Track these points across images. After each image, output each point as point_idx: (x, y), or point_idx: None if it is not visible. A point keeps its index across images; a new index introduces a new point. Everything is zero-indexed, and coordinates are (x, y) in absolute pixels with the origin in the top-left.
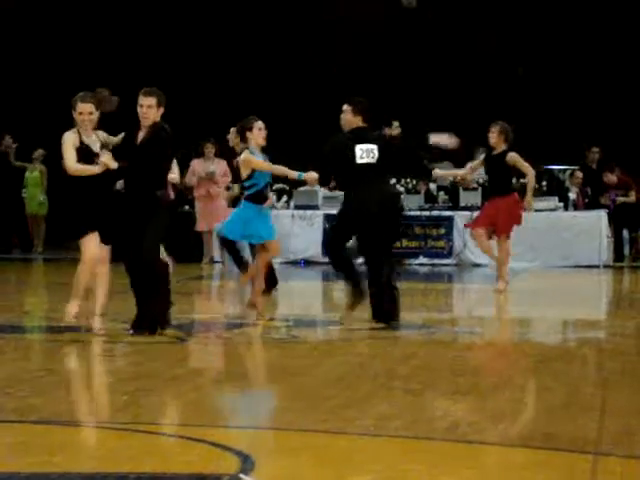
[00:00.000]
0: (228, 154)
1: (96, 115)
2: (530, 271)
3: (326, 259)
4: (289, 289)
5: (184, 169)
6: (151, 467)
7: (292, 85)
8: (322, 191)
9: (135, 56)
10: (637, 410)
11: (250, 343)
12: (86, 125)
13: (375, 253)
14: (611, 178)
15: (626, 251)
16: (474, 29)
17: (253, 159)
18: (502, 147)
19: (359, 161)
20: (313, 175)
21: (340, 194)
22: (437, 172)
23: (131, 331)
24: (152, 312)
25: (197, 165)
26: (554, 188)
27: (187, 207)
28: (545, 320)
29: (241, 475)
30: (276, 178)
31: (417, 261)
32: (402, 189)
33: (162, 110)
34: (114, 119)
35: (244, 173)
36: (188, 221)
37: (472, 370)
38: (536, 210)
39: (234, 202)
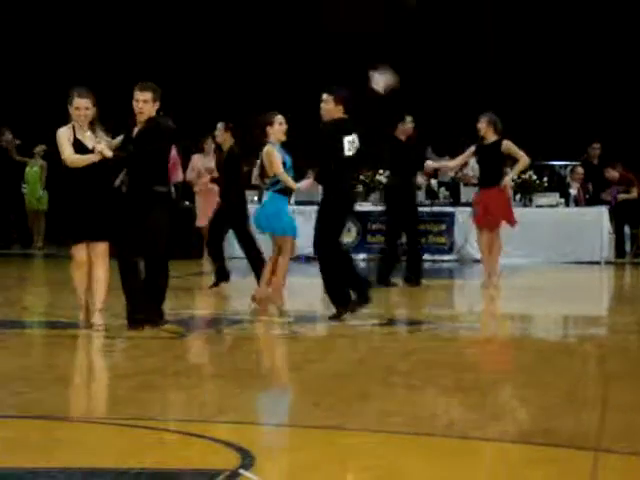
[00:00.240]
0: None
1: (92, 111)
2: (531, 267)
3: None
4: (289, 285)
5: (184, 165)
6: (151, 462)
7: (291, 80)
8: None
9: (135, 51)
10: (638, 406)
11: (250, 339)
12: (82, 120)
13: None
14: (613, 174)
15: (627, 247)
16: (473, 24)
17: (274, 158)
18: (493, 137)
19: (347, 153)
20: (308, 183)
21: None
22: (429, 163)
23: (130, 326)
24: (151, 306)
25: (197, 160)
26: (555, 184)
27: (187, 203)
28: (546, 316)
29: (241, 471)
30: None
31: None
32: None
33: (158, 105)
34: (113, 115)
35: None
36: (188, 217)
37: (473, 366)
38: (537, 206)
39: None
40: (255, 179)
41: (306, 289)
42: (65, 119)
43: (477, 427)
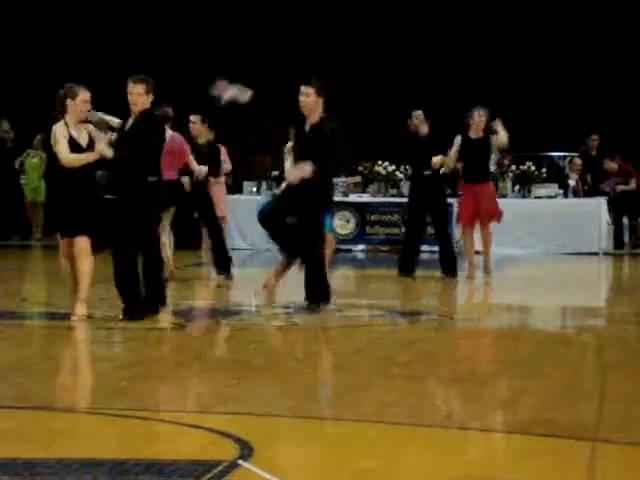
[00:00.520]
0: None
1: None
2: (530, 258)
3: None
4: (289, 276)
5: None
6: (149, 453)
7: (291, 74)
8: None
9: (134, 43)
10: (636, 397)
11: (249, 330)
12: (83, 115)
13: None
14: (611, 165)
15: (626, 238)
16: (472, 16)
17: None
18: (482, 133)
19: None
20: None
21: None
22: (435, 160)
23: (122, 318)
24: (151, 296)
25: None
26: (554, 175)
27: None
28: (545, 307)
29: (240, 461)
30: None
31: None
32: (401, 176)
33: (152, 97)
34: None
35: None
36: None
37: (471, 357)
38: (536, 197)
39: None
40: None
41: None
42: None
43: (476, 418)
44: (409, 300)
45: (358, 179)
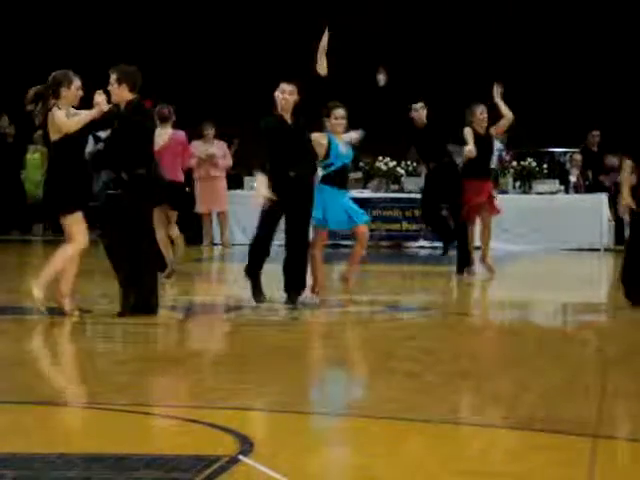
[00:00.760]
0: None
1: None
2: (531, 254)
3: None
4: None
5: None
6: (150, 448)
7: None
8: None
9: (134, 36)
10: (637, 393)
11: (250, 325)
12: (76, 101)
13: None
14: (612, 161)
15: (627, 234)
16: (474, 11)
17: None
18: (485, 130)
19: None
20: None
21: None
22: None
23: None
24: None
25: (197, 147)
26: (556, 171)
27: (187, 189)
28: (545, 303)
29: (240, 457)
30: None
31: (417, 244)
32: (402, 171)
33: (129, 87)
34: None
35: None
36: (188, 203)
37: (472, 353)
38: (537, 193)
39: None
40: None
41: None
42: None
43: (476, 413)
44: (410, 296)
45: (359, 175)
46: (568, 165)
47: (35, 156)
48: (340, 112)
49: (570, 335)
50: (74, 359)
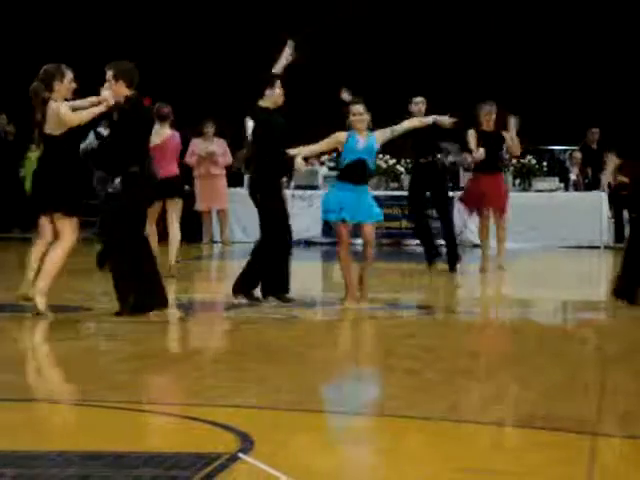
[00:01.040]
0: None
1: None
2: (530, 252)
3: (327, 239)
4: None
5: (184, 149)
6: (149, 446)
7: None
8: (323, 170)
9: (134, 35)
10: (636, 391)
11: (250, 323)
12: (69, 94)
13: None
14: (613, 158)
15: (627, 232)
16: (474, 10)
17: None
18: (494, 126)
19: None
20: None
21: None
22: (477, 155)
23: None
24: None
25: (197, 145)
26: (556, 169)
27: (187, 187)
28: (545, 301)
29: (240, 454)
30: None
31: (416, 242)
32: (402, 169)
33: (125, 83)
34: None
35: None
36: (188, 201)
37: (471, 351)
38: (536, 190)
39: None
40: None
41: (305, 273)
42: None
43: (476, 411)
44: (409, 293)
45: None
46: (568, 163)
47: (36, 154)
48: (357, 108)
49: (570, 333)
50: (74, 357)
